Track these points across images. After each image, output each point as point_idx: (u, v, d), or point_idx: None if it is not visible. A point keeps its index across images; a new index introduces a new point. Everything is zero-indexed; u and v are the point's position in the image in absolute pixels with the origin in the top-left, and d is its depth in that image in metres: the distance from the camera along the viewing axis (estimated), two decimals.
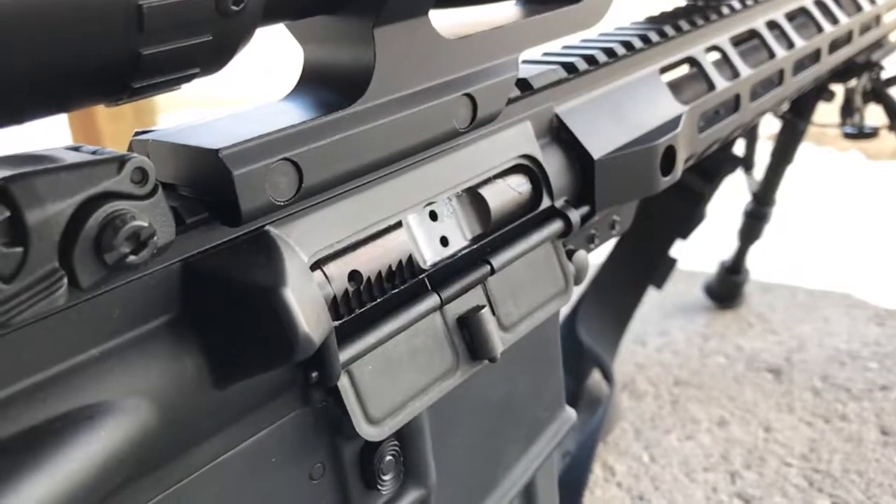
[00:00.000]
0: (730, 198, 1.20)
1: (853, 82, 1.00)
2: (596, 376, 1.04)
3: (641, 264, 1.05)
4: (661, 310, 1.25)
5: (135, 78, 0.27)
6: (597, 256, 0.71)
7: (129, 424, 0.29)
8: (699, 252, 1.30)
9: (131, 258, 0.27)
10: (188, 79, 0.29)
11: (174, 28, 0.26)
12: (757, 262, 1.28)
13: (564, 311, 0.89)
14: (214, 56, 0.28)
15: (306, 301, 0.31)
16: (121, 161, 0.27)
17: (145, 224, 0.27)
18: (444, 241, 0.41)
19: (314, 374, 0.34)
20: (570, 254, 0.49)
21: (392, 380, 0.37)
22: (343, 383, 0.35)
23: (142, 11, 0.24)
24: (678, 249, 1.04)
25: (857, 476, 0.85)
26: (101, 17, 0.24)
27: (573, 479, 0.84)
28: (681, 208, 1.02)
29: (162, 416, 0.30)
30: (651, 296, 1.09)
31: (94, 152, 0.28)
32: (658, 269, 1.05)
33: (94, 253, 0.26)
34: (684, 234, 1.04)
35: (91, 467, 0.26)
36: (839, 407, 0.97)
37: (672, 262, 1.04)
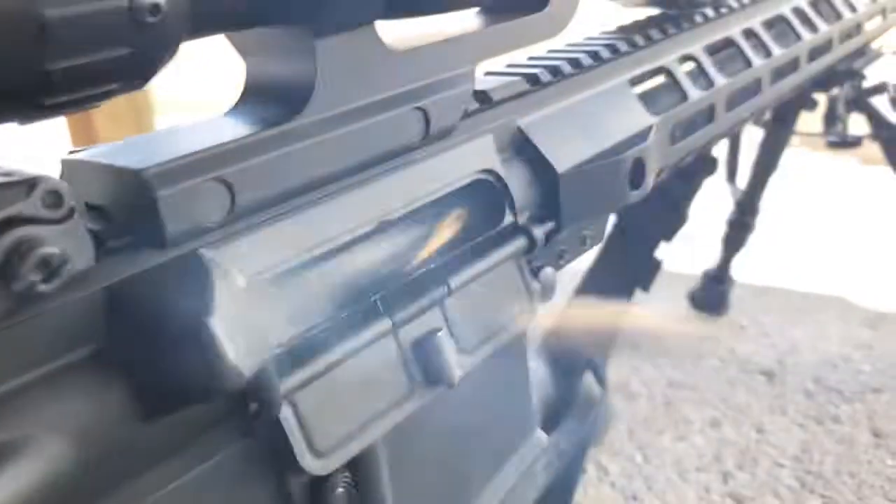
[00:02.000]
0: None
1: (835, 91, 0.99)
2: (589, 379, 1.03)
3: (627, 267, 1.04)
4: (655, 313, 1.24)
5: (46, 96, 0.25)
6: (583, 261, 0.70)
7: (44, 463, 0.27)
8: (694, 255, 1.30)
9: (42, 287, 0.25)
10: (107, 95, 0.27)
11: (84, 41, 0.24)
12: (750, 265, 1.28)
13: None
14: (134, 70, 0.27)
15: (238, 329, 0.29)
16: (31, 184, 0.26)
17: (56, 251, 0.25)
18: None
19: (253, 406, 0.32)
20: (537, 271, 0.48)
21: (340, 409, 0.36)
22: (285, 414, 0.33)
23: (44, 23, 0.23)
24: (665, 254, 1.03)
25: (849, 477, 0.86)
26: (1, 31, 0.22)
27: (564, 482, 0.83)
28: (661, 211, 1.02)
29: (83, 453, 0.28)
30: (644, 299, 1.08)
31: (6, 173, 0.27)
32: (644, 271, 1.04)
33: (0, 281, 0.25)
34: (668, 237, 1.03)
35: None
36: (831, 409, 0.98)
37: (657, 264, 1.03)
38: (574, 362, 1.01)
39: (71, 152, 0.34)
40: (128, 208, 0.30)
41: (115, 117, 1.66)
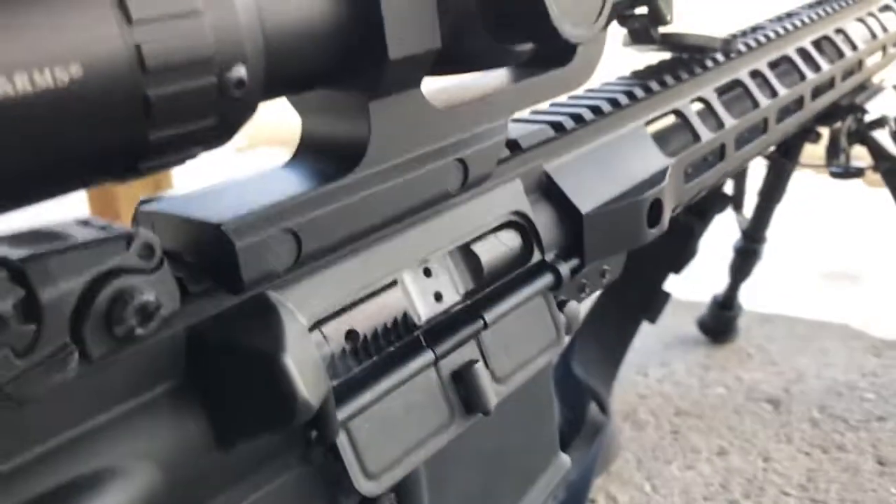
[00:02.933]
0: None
1: (838, 124, 1.02)
2: (594, 408, 1.05)
3: (635, 299, 1.06)
4: (662, 341, 1.27)
5: (142, 160, 0.28)
6: None
7: (135, 489, 0.30)
8: (700, 283, 1.32)
9: (139, 331, 0.28)
10: (192, 156, 0.30)
11: (180, 115, 0.27)
12: (756, 293, 1.30)
13: None
14: (218, 135, 0.30)
15: (305, 364, 0.32)
16: (129, 238, 0.29)
17: (152, 298, 0.28)
18: (438, 297, 0.42)
19: (313, 433, 0.35)
20: (561, 304, 0.51)
21: (389, 435, 0.39)
22: (341, 440, 0.36)
23: (149, 101, 0.26)
24: (674, 282, 1.06)
25: None
26: (110, 107, 0.26)
27: None
28: (673, 245, 1.04)
29: (167, 478, 0.31)
30: (652, 327, 1.11)
31: (103, 227, 0.30)
32: (652, 303, 1.06)
33: (103, 326, 0.28)
34: (677, 269, 1.05)
35: None
36: (837, 437, 0.99)
37: (665, 297, 1.05)
38: (579, 391, 1.03)
39: (143, 202, 0.37)
40: (206, 257, 0.33)
41: None
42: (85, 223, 0.30)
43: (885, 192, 1.08)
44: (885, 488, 0.89)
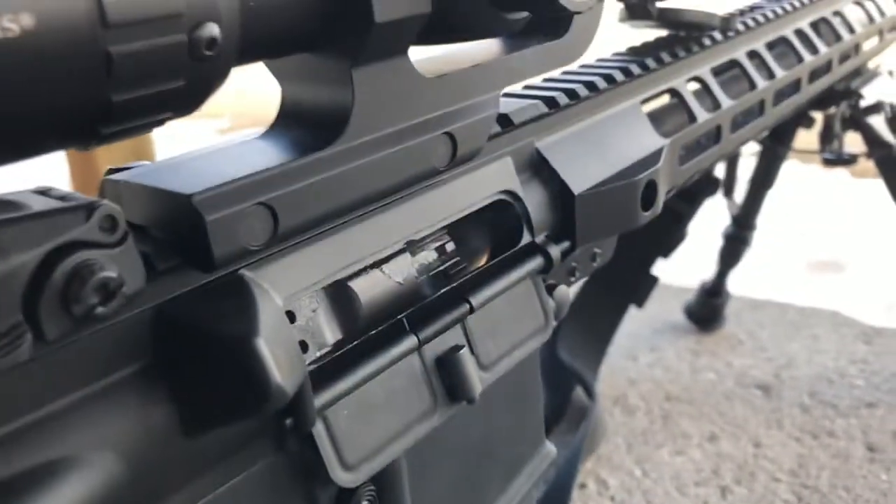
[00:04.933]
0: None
1: (832, 109, 1.01)
2: (580, 392, 1.04)
3: (623, 283, 1.05)
4: (652, 326, 1.26)
5: (105, 125, 0.26)
6: None
7: (95, 479, 0.28)
8: (691, 269, 1.31)
9: (100, 309, 0.26)
10: (160, 123, 0.28)
11: (145, 75, 0.25)
12: (746, 279, 1.29)
13: None
14: (188, 99, 0.28)
15: (280, 348, 0.30)
16: (89, 208, 0.26)
17: (114, 275, 0.26)
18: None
19: (288, 421, 0.33)
20: (550, 288, 0.49)
21: (368, 424, 0.37)
22: (318, 429, 0.34)
23: (111, 59, 0.24)
24: (666, 268, 1.05)
25: (845, 492, 0.87)
26: (69, 65, 0.23)
27: (557, 493, 0.84)
28: (662, 229, 1.03)
29: (130, 468, 0.29)
30: (642, 312, 1.11)
31: (62, 197, 0.28)
32: (640, 287, 1.05)
33: (60, 305, 0.25)
34: (665, 254, 1.04)
35: None
36: (827, 423, 0.99)
37: (653, 281, 1.04)
38: (564, 375, 1.02)
39: (110, 171, 0.35)
40: (175, 231, 0.31)
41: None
42: (43, 192, 0.28)
43: (870, 182, 1.07)
44: (875, 474, 0.89)
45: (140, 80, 0.25)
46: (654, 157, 0.53)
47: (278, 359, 0.29)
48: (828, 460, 0.92)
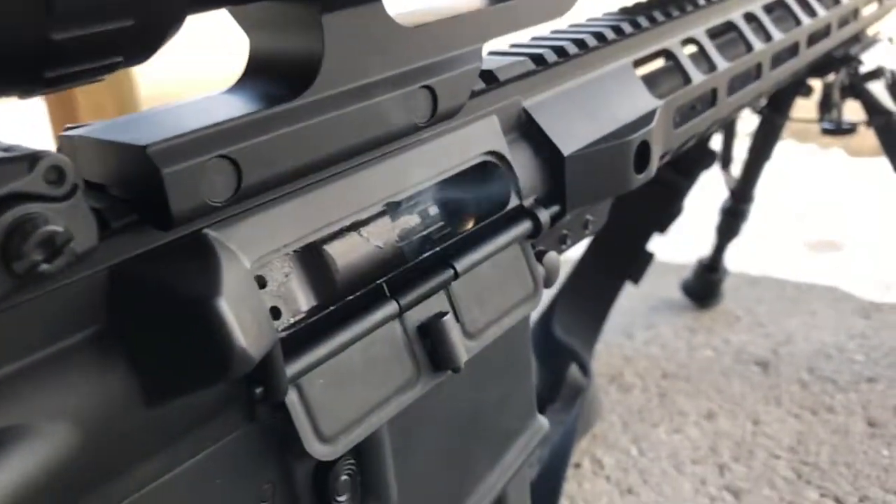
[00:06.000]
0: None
1: (831, 77, 0.98)
2: (574, 369, 1.03)
3: (618, 259, 1.04)
4: (648, 303, 1.25)
5: (47, 67, 0.24)
6: (574, 251, 0.70)
7: (48, 449, 0.26)
8: (688, 244, 1.29)
9: (44, 267, 0.24)
10: (110, 68, 0.26)
11: (90, 11, 0.23)
12: (744, 255, 1.27)
13: (540, 306, 0.88)
14: (138, 43, 0.26)
15: (246, 311, 0.28)
16: (32, 159, 0.24)
17: (60, 229, 0.24)
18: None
19: (258, 390, 0.31)
20: (540, 255, 0.47)
21: (346, 394, 0.35)
22: (291, 399, 0.32)
23: None
24: (662, 245, 1.03)
25: (845, 468, 0.85)
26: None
27: (551, 473, 0.83)
28: (657, 203, 1.01)
29: (87, 438, 0.27)
30: (638, 289, 1.09)
31: (5, 149, 0.26)
32: (635, 263, 1.04)
33: (0, 261, 0.24)
34: (661, 229, 1.03)
35: None
36: (826, 399, 0.98)
37: (649, 257, 1.03)
38: (559, 353, 1.01)
39: (68, 128, 0.33)
40: (131, 186, 0.29)
41: (97, 107, 1.64)
42: None
43: (867, 160, 1.05)
44: (875, 450, 0.87)
45: (84, 15, 0.23)
46: (648, 117, 0.51)
47: (243, 322, 0.28)
48: (827, 436, 0.91)
